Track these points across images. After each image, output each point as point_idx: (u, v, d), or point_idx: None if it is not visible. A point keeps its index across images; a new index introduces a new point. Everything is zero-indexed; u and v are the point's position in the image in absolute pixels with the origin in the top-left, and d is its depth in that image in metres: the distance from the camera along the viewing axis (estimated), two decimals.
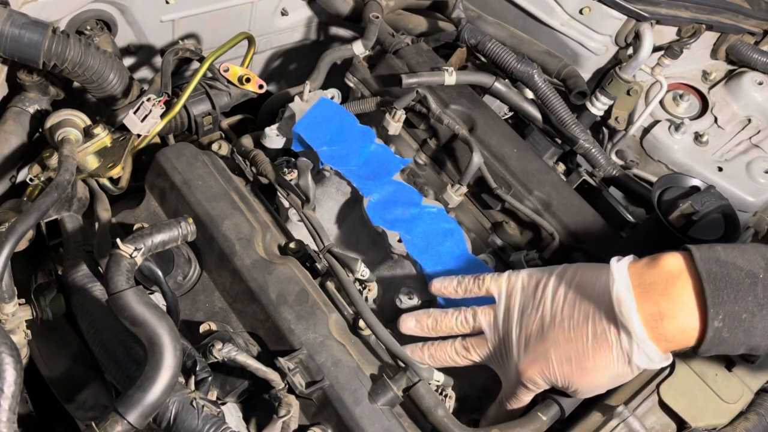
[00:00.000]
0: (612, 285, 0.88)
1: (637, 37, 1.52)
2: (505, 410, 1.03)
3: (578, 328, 0.90)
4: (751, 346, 0.85)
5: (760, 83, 1.66)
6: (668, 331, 0.86)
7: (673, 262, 0.87)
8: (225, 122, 1.42)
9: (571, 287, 0.93)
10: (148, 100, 1.23)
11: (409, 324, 1.05)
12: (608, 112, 1.60)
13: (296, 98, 1.27)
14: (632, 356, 0.88)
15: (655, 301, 0.86)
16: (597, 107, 1.56)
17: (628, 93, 1.57)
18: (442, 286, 1.05)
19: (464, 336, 1.02)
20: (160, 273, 1.02)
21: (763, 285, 0.83)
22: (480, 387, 1.12)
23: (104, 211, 1.17)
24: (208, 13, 1.61)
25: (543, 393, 1.02)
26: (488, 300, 1.01)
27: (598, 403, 1.04)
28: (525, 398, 1.00)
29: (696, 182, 1.13)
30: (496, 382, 1.11)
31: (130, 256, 0.92)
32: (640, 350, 0.87)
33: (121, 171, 1.21)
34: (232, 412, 1.02)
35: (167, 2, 1.52)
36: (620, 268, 0.89)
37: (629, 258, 0.91)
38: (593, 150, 1.37)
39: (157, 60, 1.64)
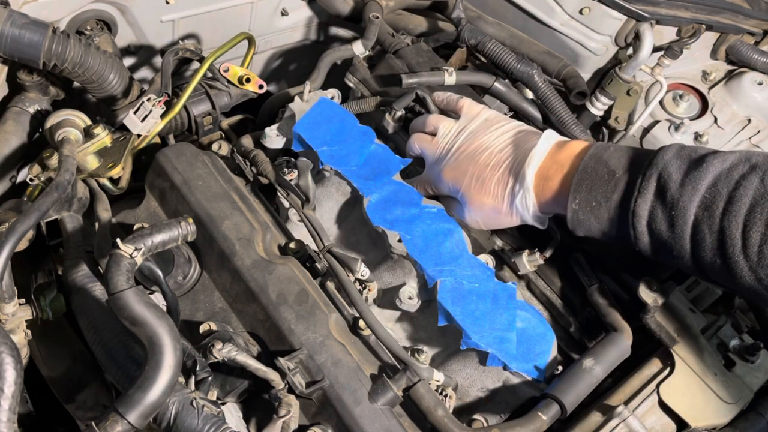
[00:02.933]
0: (535, 146, 1.09)
1: (637, 37, 1.52)
2: None
3: (497, 163, 1.12)
4: (605, 233, 1.02)
5: (760, 83, 1.66)
6: (545, 193, 1.07)
7: (576, 146, 1.08)
8: (225, 122, 1.42)
9: (513, 136, 1.14)
10: (148, 100, 1.23)
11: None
12: (608, 112, 1.60)
13: (296, 98, 1.27)
14: (516, 197, 1.09)
15: (549, 169, 1.07)
16: (597, 107, 1.56)
17: (628, 93, 1.57)
18: (436, 95, 1.28)
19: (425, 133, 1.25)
20: (160, 273, 1.02)
21: (615, 183, 1.00)
22: (480, 387, 1.12)
23: (104, 211, 1.17)
24: (208, 13, 1.61)
25: (543, 393, 1.03)
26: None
27: (598, 403, 1.04)
28: (427, 192, 1.23)
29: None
30: (495, 382, 1.11)
31: (130, 256, 0.92)
32: (522, 195, 1.08)
33: (121, 171, 1.21)
34: (232, 412, 1.02)
35: (167, 2, 1.52)
36: (547, 138, 1.10)
37: (559, 137, 1.12)
38: None
39: (157, 60, 1.64)
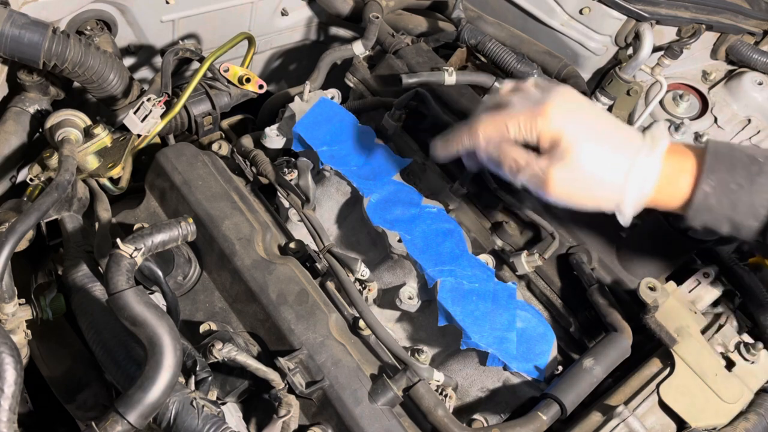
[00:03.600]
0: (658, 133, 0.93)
1: (637, 37, 1.52)
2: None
3: (618, 124, 0.95)
4: (734, 223, 0.90)
5: (760, 83, 1.66)
6: (677, 167, 0.91)
7: (698, 147, 0.93)
8: (225, 122, 1.42)
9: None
10: (148, 100, 1.23)
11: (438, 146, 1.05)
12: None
13: (296, 98, 1.27)
14: (638, 165, 0.90)
15: (676, 154, 0.92)
16: None
17: (628, 93, 1.57)
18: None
19: None
20: (160, 273, 1.02)
21: (760, 167, 0.88)
22: (480, 387, 1.12)
23: (104, 211, 1.17)
24: (208, 13, 1.61)
25: (543, 393, 1.03)
26: None
27: (598, 403, 1.04)
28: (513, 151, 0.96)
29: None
30: (495, 382, 1.11)
31: (130, 256, 0.92)
32: (649, 164, 0.90)
33: (121, 171, 1.21)
34: (232, 412, 1.02)
35: (167, 2, 1.52)
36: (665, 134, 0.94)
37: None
38: None
39: (157, 60, 1.64)
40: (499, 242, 1.23)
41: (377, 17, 1.45)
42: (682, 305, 1.10)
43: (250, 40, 1.42)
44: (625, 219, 0.94)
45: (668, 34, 1.62)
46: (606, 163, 0.92)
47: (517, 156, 0.95)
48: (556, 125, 0.92)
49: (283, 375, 0.97)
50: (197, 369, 0.96)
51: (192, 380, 0.95)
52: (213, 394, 0.98)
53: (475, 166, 1.04)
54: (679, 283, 1.13)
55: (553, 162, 0.92)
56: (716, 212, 0.89)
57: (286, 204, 1.19)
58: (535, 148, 0.95)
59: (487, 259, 1.17)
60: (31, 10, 1.24)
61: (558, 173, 0.92)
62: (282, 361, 0.96)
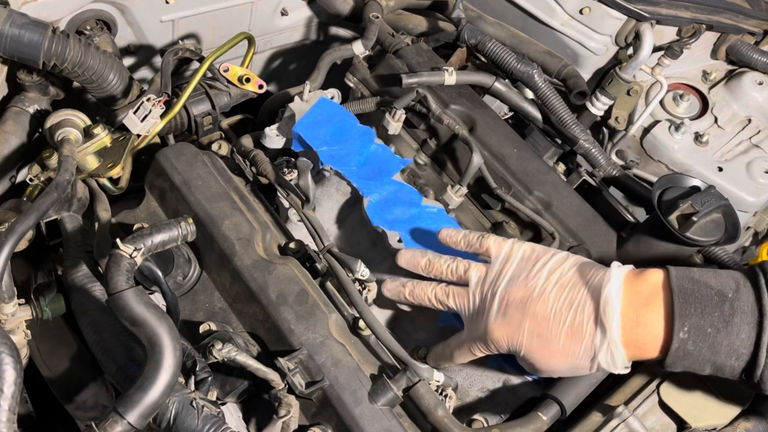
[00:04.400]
0: (605, 284, 0.92)
1: (637, 37, 1.52)
2: (448, 356, 1.07)
3: (560, 312, 0.94)
4: (716, 365, 0.89)
5: (760, 83, 1.66)
6: (640, 338, 0.90)
7: (655, 277, 0.92)
8: (225, 122, 1.42)
9: (567, 273, 0.97)
10: (148, 100, 1.23)
11: (405, 255, 1.10)
12: (608, 112, 1.60)
13: (296, 98, 1.27)
14: (598, 354, 0.92)
15: (635, 309, 0.91)
16: (597, 107, 1.56)
17: (628, 93, 1.57)
18: (447, 235, 1.09)
19: (449, 283, 1.07)
20: (160, 273, 1.02)
21: (731, 304, 0.87)
22: (480, 387, 1.12)
23: (104, 211, 1.17)
24: (208, 13, 1.61)
25: (543, 393, 1.02)
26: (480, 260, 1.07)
27: (598, 403, 1.04)
28: (476, 354, 1.03)
29: (696, 182, 1.13)
30: (495, 382, 1.11)
31: (130, 256, 0.92)
32: (607, 351, 0.91)
33: (121, 171, 1.21)
34: (232, 412, 1.02)
35: (167, 2, 1.52)
36: (618, 273, 0.93)
37: (629, 267, 0.95)
38: (593, 150, 1.37)
39: (157, 60, 1.64)
40: None
41: (377, 17, 1.45)
42: None
43: (250, 40, 1.42)
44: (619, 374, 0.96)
45: (668, 34, 1.62)
46: (567, 367, 0.96)
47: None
48: (505, 346, 0.99)
49: (283, 375, 0.97)
50: (197, 369, 0.96)
51: (192, 380, 0.95)
52: (213, 395, 0.98)
53: None
54: None
55: (523, 361, 1.00)
56: (695, 357, 0.89)
57: (286, 204, 1.19)
58: None
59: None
60: (31, 10, 1.24)
61: (532, 370, 1.01)
62: (282, 362, 0.96)
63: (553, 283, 0.96)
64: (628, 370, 0.95)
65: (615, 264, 0.95)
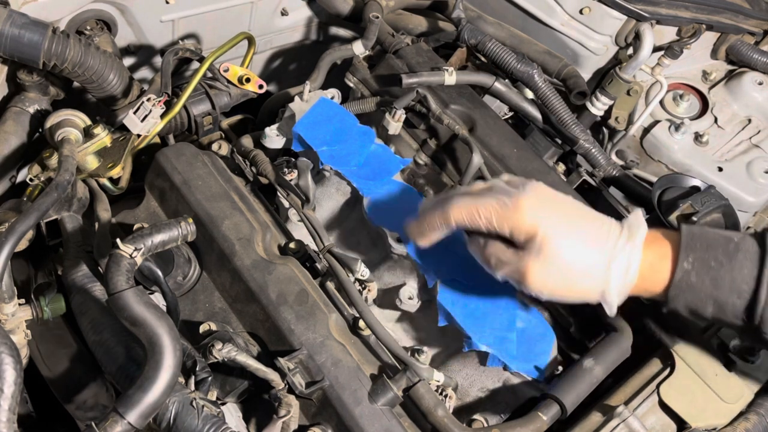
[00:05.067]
0: (631, 215, 0.94)
1: (637, 37, 1.52)
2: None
3: (590, 212, 0.95)
4: (718, 303, 0.89)
5: (760, 83, 1.66)
6: (652, 264, 0.91)
7: (673, 232, 0.94)
8: (225, 122, 1.42)
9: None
10: (148, 100, 1.23)
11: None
12: (608, 112, 1.60)
13: (296, 98, 1.27)
14: (619, 255, 0.90)
15: (653, 235, 0.93)
16: (597, 107, 1.56)
17: (628, 93, 1.57)
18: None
19: None
20: (160, 273, 1.02)
21: (736, 245, 0.89)
22: (480, 387, 1.12)
23: (104, 211, 1.17)
24: (208, 13, 1.61)
25: (543, 393, 1.02)
26: None
27: (598, 403, 1.04)
28: (492, 224, 0.94)
29: (696, 182, 1.13)
30: (495, 382, 1.11)
31: (130, 256, 0.92)
32: (628, 253, 0.90)
33: (121, 171, 1.21)
34: (232, 412, 1.02)
35: (167, 2, 1.52)
36: (639, 211, 0.96)
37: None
38: (593, 150, 1.37)
39: (157, 60, 1.64)
40: None
41: (377, 17, 1.45)
42: None
43: (250, 40, 1.42)
44: (612, 309, 0.94)
45: (668, 34, 1.62)
46: (584, 256, 0.92)
47: (494, 251, 0.95)
48: (530, 219, 0.91)
49: (283, 375, 0.97)
50: (197, 369, 0.96)
51: (192, 380, 0.95)
52: (213, 394, 0.98)
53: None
54: None
55: (530, 257, 0.92)
56: (698, 290, 0.89)
57: (286, 204, 1.19)
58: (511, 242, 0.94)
59: None
60: (31, 10, 1.24)
61: (536, 268, 0.91)
62: (282, 361, 0.96)
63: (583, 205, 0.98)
64: (612, 310, 0.93)
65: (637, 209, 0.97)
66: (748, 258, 0.88)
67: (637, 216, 0.94)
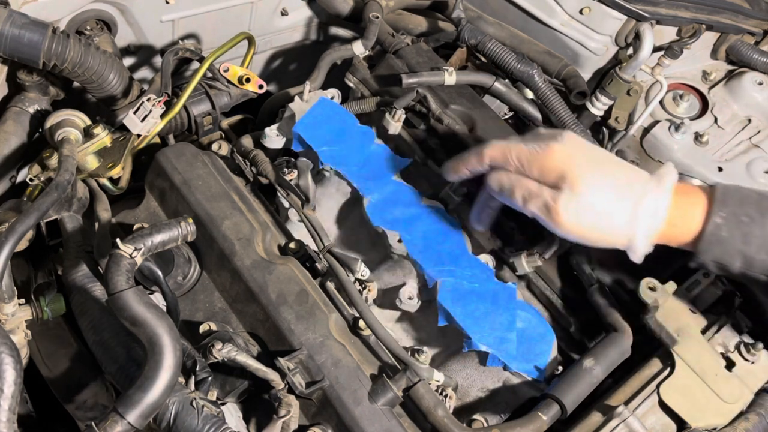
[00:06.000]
0: (664, 164, 0.96)
1: (637, 37, 1.52)
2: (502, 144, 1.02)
3: (620, 162, 0.97)
4: (747, 257, 0.91)
5: (760, 83, 1.66)
6: (684, 212, 0.92)
7: (708, 186, 0.96)
8: (225, 122, 1.42)
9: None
10: (148, 100, 1.23)
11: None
12: (608, 112, 1.60)
13: (296, 98, 1.27)
14: (646, 199, 0.92)
15: (684, 189, 0.94)
16: (597, 107, 1.56)
17: (628, 93, 1.57)
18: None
19: None
20: (160, 273, 1.02)
21: None
22: (480, 387, 1.12)
23: (104, 211, 1.17)
24: (208, 13, 1.61)
25: (543, 393, 1.02)
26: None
27: (598, 403, 1.04)
28: (522, 159, 0.98)
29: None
30: (495, 382, 1.11)
31: (130, 256, 0.92)
32: (656, 199, 0.92)
33: (121, 171, 1.21)
34: (232, 412, 1.02)
35: (167, 2, 1.52)
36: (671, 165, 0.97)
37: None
38: None
39: (157, 60, 1.64)
40: (498, 242, 1.23)
41: (377, 17, 1.45)
42: (682, 305, 1.10)
43: (250, 40, 1.42)
44: (638, 255, 0.95)
45: (668, 34, 1.61)
46: (614, 196, 0.93)
47: (524, 183, 0.97)
48: (561, 160, 0.94)
49: (283, 375, 0.97)
50: (197, 369, 0.96)
51: (192, 380, 0.95)
52: (213, 394, 0.98)
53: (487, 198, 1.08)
54: (679, 283, 1.13)
55: (561, 193, 0.93)
56: (728, 245, 0.90)
57: (286, 204, 1.19)
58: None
59: (487, 259, 1.17)
60: (31, 10, 1.24)
61: (566, 204, 0.93)
62: (282, 361, 0.96)
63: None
64: (639, 257, 0.94)
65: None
66: None
67: (668, 166, 0.96)
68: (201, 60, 1.38)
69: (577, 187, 0.92)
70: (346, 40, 1.86)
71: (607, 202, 0.93)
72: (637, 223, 0.92)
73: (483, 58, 1.51)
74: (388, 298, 1.17)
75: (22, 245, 1.03)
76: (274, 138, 1.27)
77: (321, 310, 1.03)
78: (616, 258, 1.15)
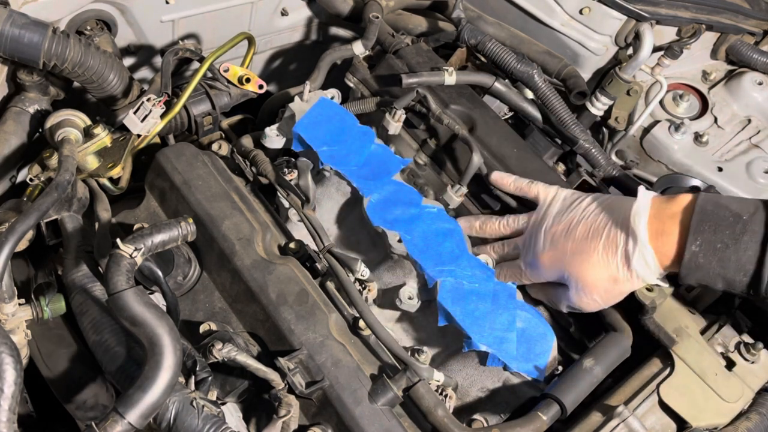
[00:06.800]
0: (635, 203, 1.02)
1: (637, 37, 1.52)
2: (500, 277, 1.16)
3: (596, 230, 1.05)
4: (726, 280, 0.96)
5: (760, 83, 1.66)
6: (664, 245, 0.99)
7: (685, 198, 1.01)
8: (225, 122, 1.42)
9: (601, 204, 1.09)
10: (148, 100, 1.23)
11: (461, 224, 1.20)
12: (608, 112, 1.60)
13: (296, 98, 1.27)
14: (632, 258, 1.01)
15: (662, 221, 1.00)
16: (597, 107, 1.56)
17: (628, 93, 1.57)
18: (500, 178, 1.22)
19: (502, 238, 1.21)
20: (160, 273, 1.02)
21: (743, 225, 0.94)
22: (480, 387, 1.12)
23: (104, 211, 1.17)
24: (208, 13, 1.61)
25: (543, 393, 1.03)
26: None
27: (598, 403, 1.04)
28: (524, 280, 1.15)
29: (696, 182, 1.13)
30: (495, 382, 1.11)
31: (130, 256, 0.92)
32: (640, 255, 1.00)
33: (121, 171, 1.21)
34: (232, 412, 1.02)
35: (167, 2, 1.52)
36: (647, 194, 1.04)
37: (654, 193, 1.05)
38: (593, 150, 1.37)
39: (157, 60, 1.64)
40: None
41: (377, 17, 1.45)
42: (681, 305, 1.10)
43: (250, 40, 1.42)
44: (663, 285, 1.05)
45: (668, 34, 1.62)
46: (606, 277, 1.04)
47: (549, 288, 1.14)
48: (551, 273, 1.10)
49: (283, 375, 0.97)
50: (197, 369, 0.96)
51: (192, 380, 0.95)
52: (213, 394, 0.98)
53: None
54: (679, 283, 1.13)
55: (570, 291, 1.08)
56: (706, 270, 0.96)
57: (286, 204, 1.19)
58: None
59: (487, 259, 1.17)
60: (31, 10, 1.24)
61: (580, 298, 1.07)
62: (282, 361, 0.96)
63: (591, 211, 1.08)
64: (661, 281, 1.03)
65: (642, 187, 1.05)
66: (753, 240, 0.93)
67: (635, 216, 1.01)
68: (201, 60, 1.38)
69: (575, 277, 1.06)
70: (346, 40, 1.86)
71: (607, 281, 1.04)
72: (637, 279, 1.03)
73: (483, 58, 1.51)
74: (388, 298, 1.17)
75: (23, 245, 1.03)
76: (274, 138, 1.27)
77: (321, 310, 1.03)
78: None
